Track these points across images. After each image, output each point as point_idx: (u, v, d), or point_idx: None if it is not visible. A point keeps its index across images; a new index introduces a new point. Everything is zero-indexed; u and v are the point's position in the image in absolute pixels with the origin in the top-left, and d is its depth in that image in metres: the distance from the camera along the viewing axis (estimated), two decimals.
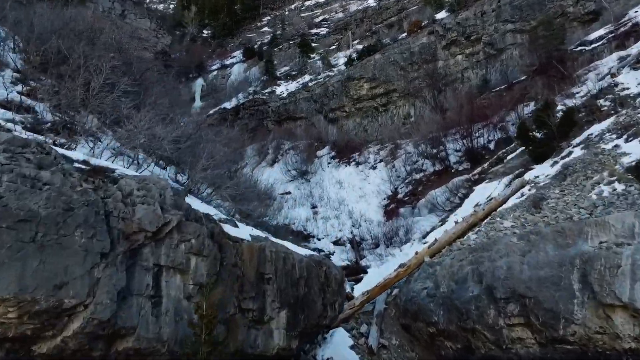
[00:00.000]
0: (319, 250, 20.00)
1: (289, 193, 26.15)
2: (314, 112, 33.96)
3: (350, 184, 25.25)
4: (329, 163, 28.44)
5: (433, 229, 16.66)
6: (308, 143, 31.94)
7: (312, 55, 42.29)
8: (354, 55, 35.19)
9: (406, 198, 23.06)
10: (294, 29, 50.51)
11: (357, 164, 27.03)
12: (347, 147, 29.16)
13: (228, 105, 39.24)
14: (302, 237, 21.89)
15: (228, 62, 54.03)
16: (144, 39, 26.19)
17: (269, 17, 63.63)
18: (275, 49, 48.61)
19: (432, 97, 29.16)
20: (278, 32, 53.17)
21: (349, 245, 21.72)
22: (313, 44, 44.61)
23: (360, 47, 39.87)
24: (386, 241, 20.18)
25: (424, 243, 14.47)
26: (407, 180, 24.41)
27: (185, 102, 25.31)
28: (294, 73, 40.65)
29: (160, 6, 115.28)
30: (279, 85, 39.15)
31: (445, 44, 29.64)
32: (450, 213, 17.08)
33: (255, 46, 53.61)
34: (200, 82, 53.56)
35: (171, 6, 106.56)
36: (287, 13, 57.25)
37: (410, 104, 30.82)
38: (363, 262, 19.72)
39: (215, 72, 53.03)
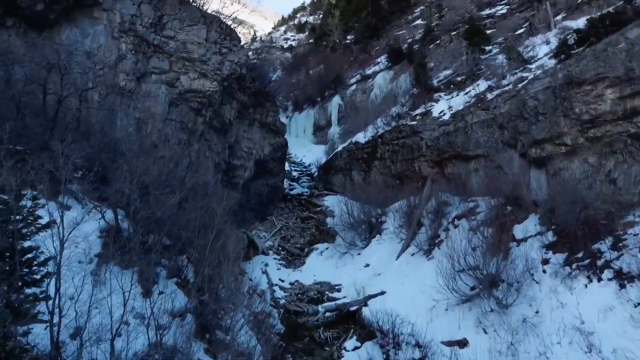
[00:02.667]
0: None
1: (464, 344, 12.56)
2: (500, 146, 19.58)
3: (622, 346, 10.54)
4: (546, 264, 13.96)
5: None
6: (492, 207, 17.82)
7: (486, 48, 27.54)
8: (572, 38, 19.70)
9: None
10: (456, 14, 35.95)
11: (621, 276, 12.06)
12: (585, 224, 14.33)
13: (362, 137, 26.90)
14: None
15: (370, 70, 41.81)
16: (199, 59, 15.15)
17: (422, 7, 49.73)
18: (431, 46, 34.76)
19: None
20: (434, 23, 39.09)
21: None
22: (487, 31, 29.68)
23: (570, 23, 23.96)
24: None
25: None
26: None
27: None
28: (459, 79, 26.47)
29: (310, 18, 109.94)
30: (436, 100, 25.44)
31: None
32: None
33: (404, 46, 40.37)
34: (337, 100, 42.47)
35: (321, 16, 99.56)
36: None
37: None
38: None
39: (354, 87, 41.28)
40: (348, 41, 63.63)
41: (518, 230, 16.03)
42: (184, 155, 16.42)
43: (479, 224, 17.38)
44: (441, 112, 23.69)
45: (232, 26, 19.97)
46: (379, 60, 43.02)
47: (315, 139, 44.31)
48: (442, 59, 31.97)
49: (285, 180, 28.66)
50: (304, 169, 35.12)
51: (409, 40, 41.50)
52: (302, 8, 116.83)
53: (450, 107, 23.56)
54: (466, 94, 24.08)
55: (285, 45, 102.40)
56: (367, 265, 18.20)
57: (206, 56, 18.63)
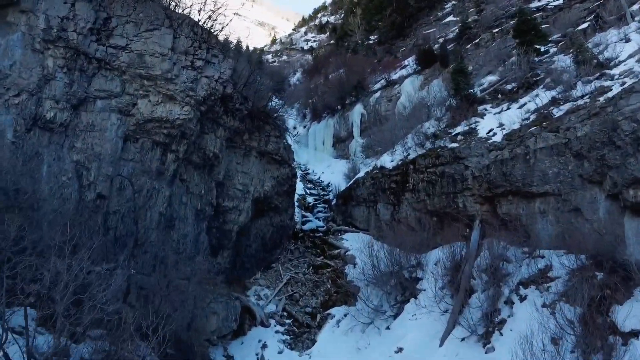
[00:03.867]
0: None
1: None
2: (578, 181, 14.55)
3: None
4: None
5: None
6: (573, 270, 12.90)
7: (541, 48, 22.39)
8: None
9: None
10: (498, 7, 30.69)
11: None
12: None
13: (389, 160, 22.08)
14: None
15: (396, 75, 36.89)
16: (163, 76, 10.34)
17: (454, 1, 44.46)
18: (468, 46, 29.69)
19: None
20: (470, 19, 33.91)
21: None
22: (540, 26, 24.44)
23: None
24: None
25: None
26: None
27: None
28: (509, 87, 21.40)
29: (332, 18, 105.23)
30: (481, 115, 20.47)
31: None
32: None
33: (435, 46, 35.34)
34: (359, 110, 37.69)
35: (343, 15, 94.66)
36: None
37: None
38: None
39: (378, 94, 36.44)
40: (371, 41, 58.77)
41: (621, 316, 11.01)
42: (145, 208, 12.06)
43: (556, 298, 12.43)
44: (490, 131, 18.71)
45: (215, 31, 14.77)
46: (406, 63, 38.06)
47: (335, 152, 39.64)
48: (484, 61, 26.89)
49: (296, 209, 24.07)
50: (321, 192, 30.49)
51: (440, 40, 36.42)
52: (323, 7, 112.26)
53: (501, 125, 18.57)
54: (521, 107, 19.06)
55: (306, 47, 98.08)
56: (400, 350, 13.41)
57: (173, 72, 13.16)
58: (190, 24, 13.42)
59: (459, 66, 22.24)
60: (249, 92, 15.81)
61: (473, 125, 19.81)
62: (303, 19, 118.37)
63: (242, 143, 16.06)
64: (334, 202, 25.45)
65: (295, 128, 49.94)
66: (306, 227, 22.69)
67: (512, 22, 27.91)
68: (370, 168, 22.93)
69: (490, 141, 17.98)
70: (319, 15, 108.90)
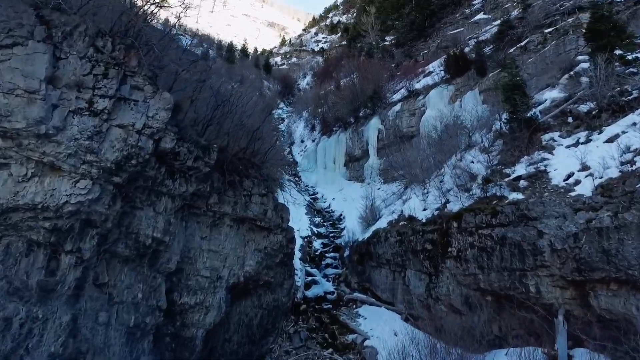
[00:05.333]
0: None
1: None
2: None
3: None
4: None
5: None
6: None
7: (628, 55, 16.67)
8: None
9: None
10: (550, 1, 24.81)
11: None
12: None
13: (420, 207, 16.46)
14: None
15: (419, 84, 31.31)
16: (33, 132, 4.87)
17: None
18: (511, 50, 24.02)
19: None
20: (513, 14, 28.12)
21: None
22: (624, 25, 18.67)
23: None
24: None
25: None
26: None
27: None
28: (584, 108, 15.72)
29: (344, 17, 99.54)
30: (550, 149, 14.86)
31: None
32: None
33: (467, 49, 29.75)
34: (375, 124, 32.19)
35: (354, 15, 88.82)
36: None
37: None
38: None
39: (398, 106, 30.91)
40: (387, 43, 53.05)
41: None
42: (20, 353, 6.86)
43: None
44: (569, 176, 13.13)
45: (143, 42, 8.52)
46: (430, 69, 32.40)
47: (347, 173, 34.18)
48: (536, 70, 21.22)
49: (298, 264, 18.66)
50: (331, 232, 25.02)
51: (471, 42, 30.71)
52: (335, 7, 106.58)
53: (585, 168, 12.99)
54: (611, 140, 13.46)
55: (316, 48, 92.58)
56: None
57: (52, 122, 7.55)
58: (90, 32, 7.90)
59: (512, 79, 16.58)
60: (217, 134, 10.32)
61: (540, 165, 14.22)
62: (314, 18, 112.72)
63: (207, 209, 10.59)
64: (346, 254, 19.94)
65: (303, 141, 44.51)
66: (311, 292, 17.23)
67: (569, 19, 22.19)
68: (395, 217, 17.38)
69: (573, 194, 12.39)
70: (330, 14, 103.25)
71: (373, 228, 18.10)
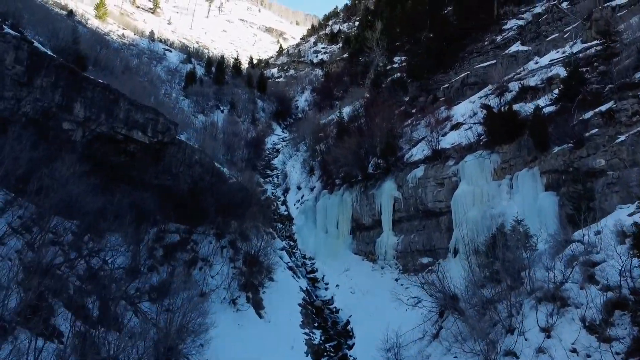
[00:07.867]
0: None
1: None
2: None
3: None
4: None
5: None
6: None
7: None
8: None
9: None
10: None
11: None
12: None
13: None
14: None
15: (446, 140, 24.55)
16: None
17: (519, 21, 31.59)
18: (591, 114, 17.23)
19: None
20: (578, 53, 21.09)
21: None
22: None
23: None
24: None
25: None
26: None
27: None
28: None
29: (344, 26, 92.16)
30: None
31: None
32: None
33: (509, 95, 23.13)
34: (390, 189, 25.37)
35: (356, 24, 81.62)
36: None
37: None
38: None
39: (420, 169, 24.20)
40: (396, 65, 46.16)
41: None
42: None
43: None
44: None
45: None
46: (459, 117, 25.51)
47: (354, 244, 27.41)
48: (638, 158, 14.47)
49: None
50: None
51: (513, 86, 23.82)
52: (335, 14, 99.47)
53: None
54: None
55: (315, 60, 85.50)
56: None
57: None
58: None
59: None
60: None
61: None
62: (312, 27, 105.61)
63: None
64: None
65: (299, 188, 37.65)
66: None
67: None
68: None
69: None
70: (330, 22, 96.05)
71: None
